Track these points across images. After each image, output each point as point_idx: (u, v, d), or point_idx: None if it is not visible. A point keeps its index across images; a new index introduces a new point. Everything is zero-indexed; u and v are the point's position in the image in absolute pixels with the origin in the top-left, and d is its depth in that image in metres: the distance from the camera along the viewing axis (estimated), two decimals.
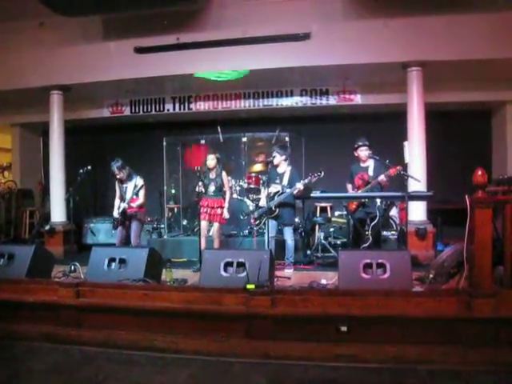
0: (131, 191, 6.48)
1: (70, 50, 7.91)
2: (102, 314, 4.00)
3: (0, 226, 10.15)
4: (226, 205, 6.63)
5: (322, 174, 6.11)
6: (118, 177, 6.54)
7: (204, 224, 6.58)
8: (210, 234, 6.79)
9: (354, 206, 6.36)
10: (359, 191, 6.20)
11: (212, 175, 6.67)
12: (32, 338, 4.03)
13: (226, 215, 6.63)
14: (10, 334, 4.08)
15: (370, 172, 6.22)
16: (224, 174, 6.69)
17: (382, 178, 5.92)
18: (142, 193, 6.52)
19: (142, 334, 3.86)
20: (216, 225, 6.63)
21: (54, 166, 8.63)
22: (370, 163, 6.28)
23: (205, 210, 6.55)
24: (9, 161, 11.98)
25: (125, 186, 6.57)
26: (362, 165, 6.35)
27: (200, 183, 6.52)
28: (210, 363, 3.54)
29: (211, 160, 6.66)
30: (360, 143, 6.31)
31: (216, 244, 6.63)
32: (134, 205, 6.45)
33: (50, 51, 7.98)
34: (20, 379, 3.32)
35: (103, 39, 7.85)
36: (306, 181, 6.14)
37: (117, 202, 6.65)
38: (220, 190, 6.66)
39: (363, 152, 6.26)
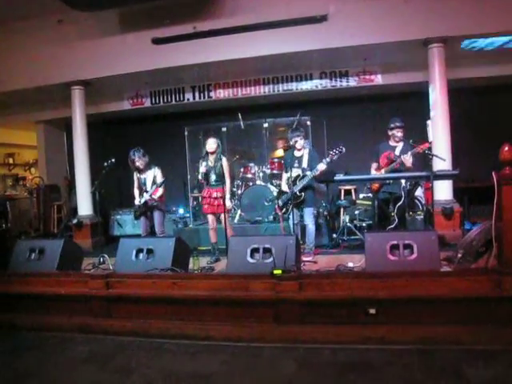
0: (150, 181, 6.57)
1: (89, 44, 7.99)
2: (132, 304, 4.07)
3: (30, 221, 10.38)
4: (228, 195, 6.36)
5: (344, 149, 5.98)
6: (137, 164, 6.55)
7: (211, 217, 6.47)
8: (222, 225, 6.35)
9: (376, 186, 6.30)
10: (382, 170, 6.12)
11: (211, 162, 6.37)
12: (65, 329, 4.13)
13: (228, 205, 6.41)
14: (43, 325, 4.19)
15: (397, 152, 6.09)
16: (224, 159, 6.40)
17: (405, 156, 5.80)
18: (162, 186, 6.58)
19: (172, 322, 3.92)
20: (223, 216, 6.28)
21: (78, 161, 8.76)
22: (399, 144, 6.17)
23: (207, 201, 6.37)
24: (35, 157, 12.21)
25: (143, 176, 6.63)
26: (392, 144, 6.23)
27: (202, 168, 6.41)
28: (240, 349, 3.58)
29: (212, 144, 6.37)
30: (398, 124, 6.14)
31: (229, 234, 6.03)
32: (154, 196, 6.52)
33: (69, 47, 8.07)
34: (55, 369, 3.42)
35: (121, 32, 7.88)
36: (328, 159, 6.01)
37: (136, 192, 6.71)
38: (221, 178, 6.32)
39: (399, 133, 6.12)
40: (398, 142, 6.16)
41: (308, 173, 6.15)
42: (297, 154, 6.40)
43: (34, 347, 3.88)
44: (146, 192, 6.53)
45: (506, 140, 3.68)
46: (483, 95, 8.90)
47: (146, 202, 6.54)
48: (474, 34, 6.84)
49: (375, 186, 6.32)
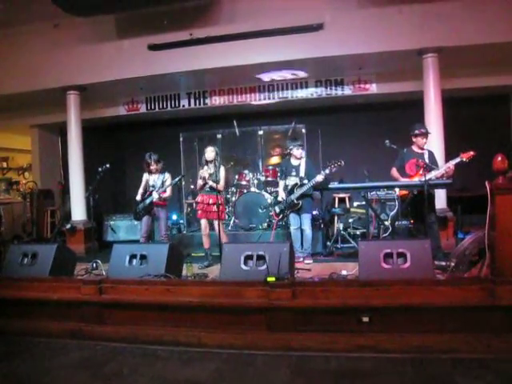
0: (159, 185, 6.70)
1: (85, 49, 7.98)
2: (125, 310, 4.05)
3: (23, 225, 10.32)
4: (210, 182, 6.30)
5: (343, 163, 6.06)
6: (151, 167, 6.72)
7: (204, 222, 6.47)
8: (215, 231, 6.34)
9: (405, 193, 6.02)
10: (415, 178, 5.90)
11: (210, 169, 6.32)
12: (57, 335, 4.11)
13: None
14: (35, 331, 4.16)
15: (426, 159, 5.92)
16: (222, 168, 6.44)
17: (449, 165, 5.67)
18: (170, 187, 6.74)
19: (165, 328, 3.91)
20: (215, 222, 6.28)
21: (72, 166, 8.74)
22: (425, 150, 6.08)
23: (201, 207, 6.39)
24: (29, 162, 12.17)
25: (152, 178, 6.79)
26: (418, 151, 6.08)
27: (201, 175, 6.39)
28: (233, 356, 3.57)
29: (210, 152, 6.38)
30: (423, 130, 6.06)
31: (223, 241, 5.94)
32: (163, 196, 6.66)
33: (65, 52, 8.07)
34: (46, 375, 3.39)
35: (117, 38, 7.89)
36: (327, 171, 6.10)
37: (141, 190, 6.83)
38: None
39: (424, 140, 6.05)
40: (422, 149, 6.10)
41: (306, 181, 6.30)
42: (294, 162, 6.56)
43: (25, 353, 3.84)
44: (156, 192, 6.64)
45: (499, 150, 3.71)
46: (477, 105, 8.97)
47: (151, 203, 6.64)
48: (468, 44, 6.89)
49: (404, 193, 6.04)
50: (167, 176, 6.78)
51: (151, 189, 6.72)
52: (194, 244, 7.84)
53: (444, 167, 5.77)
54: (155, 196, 6.61)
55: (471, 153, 5.59)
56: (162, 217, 6.78)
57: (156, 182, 6.75)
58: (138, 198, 6.79)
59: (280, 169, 6.80)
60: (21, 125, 10.91)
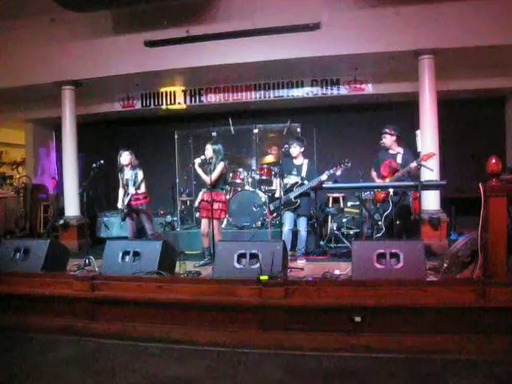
0: (132, 182, 6.57)
1: (81, 45, 7.94)
2: (117, 307, 4.04)
3: (16, 220, 10.27)
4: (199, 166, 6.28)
5: (349, 164, 6.04)
6: (125, 163, 6.61)
7: (204, 222, 6.35)
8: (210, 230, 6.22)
9: (382, 196, 6.03)
10: (387, 180, 5.95)
11: (211, 167, 6.18)
12: (48, 331, 4.09)
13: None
14: (26, 326, 4.15)
15: (399, 160, 5.97)
16: (221, 164, 6.23)
17: (413, 164, 5.61)
18: (143, 183, 6.62)
19: (157, 325, 3.91)
20: (214, 221, 6.10)
21: (66, 161, 8.69)
22: (400, 150, 6.07)
23: (203, 205, 6.30)
24: (23, 156, 12.12)
25: (126, 177, 6.64)
26: (391, 152, 6.11)
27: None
28: (224, 354, 3.57)
29: (207, 150, 6.29)
30: (382, 131, 6.10)
31: (216, 239, 5.78)
32: (139, 192, 6.56)
33: (61, 47, 8.02)
34: (37, 371, 3.37)
35: (113, 33, 7.85)
36: (332, 171, 6.09)
37: (121, 192, 6.74)
38: (218, 183, 6.29)
39: (382, 140, 6.08)
40: (393, 148, 6.08)
41: (306, 181, 6.30)
42: (296, 162, 6.52)
43: (17, 348, 3.83)
44: (128, 194, 6.55)
45: (493, 152, 3.72)
46: (472, 107, 9.01)
47: (129, 204, 6.54)
48: (464, 47, 6.91)
49: (381, 196, 6.04)
50: (139, 172, 6.58)
51: (126, 188, 6.61)
52: (188, 241, 7.81)
53: (406, 168, 5.75)
54: (131, 191, 6.49)
55: (431, 154, 5.62)
56: (143, 218, 6.65)
57: (129, 179, 6.58)
58: (119, 204, 6.71)
59: (279, 167, 6.70)
60: (15, 119, 10.84)
